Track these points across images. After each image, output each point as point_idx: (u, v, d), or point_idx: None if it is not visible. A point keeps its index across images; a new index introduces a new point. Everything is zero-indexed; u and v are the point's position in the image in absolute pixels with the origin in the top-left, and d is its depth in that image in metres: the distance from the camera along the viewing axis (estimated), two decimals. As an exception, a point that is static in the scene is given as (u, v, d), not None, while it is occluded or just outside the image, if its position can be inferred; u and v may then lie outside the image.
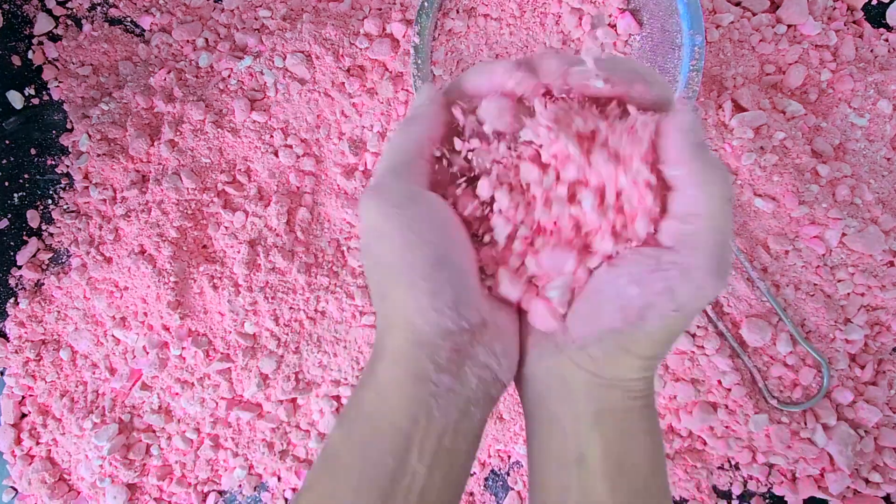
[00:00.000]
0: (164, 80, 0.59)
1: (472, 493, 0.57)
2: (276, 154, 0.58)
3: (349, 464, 0.26)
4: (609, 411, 0.27)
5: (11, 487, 0.58)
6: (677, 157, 0.27)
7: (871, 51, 0.57)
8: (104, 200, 0.59)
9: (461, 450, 0.27)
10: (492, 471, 0.57)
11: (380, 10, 0.59)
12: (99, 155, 0.58)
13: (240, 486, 0.57)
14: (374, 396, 0.27)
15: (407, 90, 0.56)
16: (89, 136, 0.59)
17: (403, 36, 0.56)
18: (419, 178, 0.28)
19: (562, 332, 0.28)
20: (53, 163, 0.60)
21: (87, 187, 0.59)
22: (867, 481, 0.53)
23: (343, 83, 0.57)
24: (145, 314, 0.57)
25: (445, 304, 0.26)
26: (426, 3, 0.52)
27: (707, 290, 0.25)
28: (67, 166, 0.60)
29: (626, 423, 0.27)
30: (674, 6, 0.51)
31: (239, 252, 0.56)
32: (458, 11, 0.55)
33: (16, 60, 0.61)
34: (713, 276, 0.24)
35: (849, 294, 0.54)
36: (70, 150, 0.60)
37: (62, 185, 0.60)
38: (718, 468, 0.55)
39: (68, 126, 0.61)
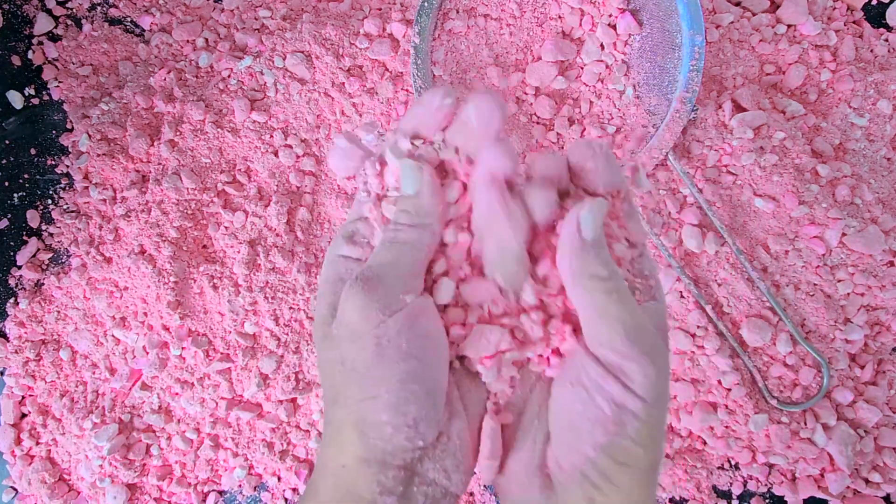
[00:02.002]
0: (164, 80, 0.59)
1: (472, 494, 0.57)
2: (276, 154, 0.58)
3: None
4: None
5: (11, 487, 0.58)
6: (559, 262, 0.27)
7: (871, 51, 0.57)
8: (104, 200, 0.59)
9: None
10: (492, 471, 0.57)
11: (380, 10, 0.59)
12: (99, 155, 0.58)
13: (240, 486, 0.57)
14: None
15: (407, 90, 0.56)
16: (89, 136, 0.59)
17: (403, 36, 0.56)
18: (414, 284, 0.27)
19: (545, 486, 0.26)
20: (53, 163, 0.60)
21: (86, 187, 0.59)
22: (867, 481, 0.53)
23: (343, 83, 0.57)
24: (145, 314, 0.57)
25: (405, 422, 0.24)
26: (426, 3, 0.52)
27: (652, 378, 0.24)
28: (67, 166, 0.60)
29: None
30: (674, 6, 0.51)
31: (239, 252, 0.56)
32: (458, 11, 0.55)
33: (16, 60, 0.61)
34: (645, 362, 0.24)
35: (849, 294, 0.54)
36: (70, 150, 0.60)
37: (62, 185, 0.60)
38: (718, 468, 0.55)
39: (68, 126, 0.61)
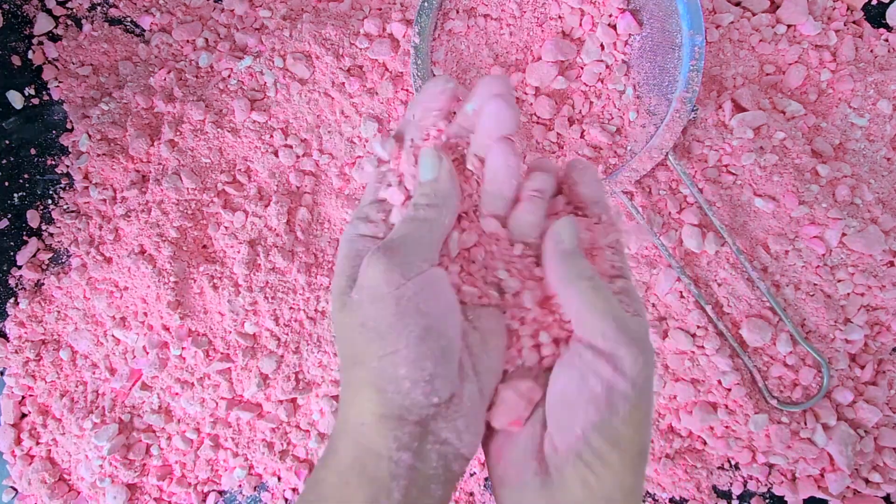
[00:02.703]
0: (164, 80, 0.59)
1: (471, 494, 0.57)
2: (276, 154, 0.58)
3: None
4: None
5: (11, 487, 0.58)
6: (547, 270, 0.30)
7: (871, 51, 0.57)
8: (104, 200, 0.59)
9: None
10: (492, 471, 0.57)
11: (380, 10, 0.59)
12: (99, 155, 0.58)
13: (240, 486, 0.57)
14: (335, 480, 0.27)
15: (407, 90, 0.56)
16: (89, 136, 0.59)
17: (403, 36, 0.56)
18: (432, 256, 0.29)
19: (541, 470, 0.27)
20: (53, 163, 0.60)
21: (86, 187, 0.59)
22: (867, 481, 0.53)
23: (343, 83, 0.57)
24: (145, 314, 0.57)
25: (422, 376, 0.26)
26: (426, 3, 0.52)
27: (640, 365, 0.26)
28: (67, 166, 0.60)
29: None
30: (674, 6, 0.51)
31: (239, 252, 0.56)
32: (458, 11, 0.55)
33: (16, 60, 0.61)
34: (635, 350, 0.26)
35: (849, 294, 0.54)
36: (70, 150, 0.60)
37: (62, 185, 0.60)
38: (718, 468, 0.55)
39: (68, 126, 0.61)
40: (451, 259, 0.30)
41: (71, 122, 0.60)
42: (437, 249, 0.29)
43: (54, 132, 0.61)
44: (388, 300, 0.26)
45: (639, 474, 0.27)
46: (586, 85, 0.55)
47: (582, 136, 0.54)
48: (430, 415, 0.27)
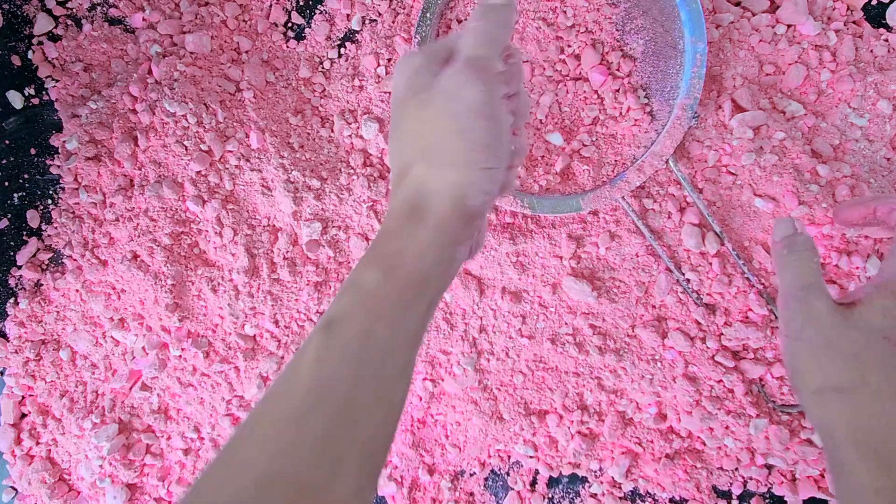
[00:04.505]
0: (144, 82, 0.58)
1: (471, 494, 0.57)
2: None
3: (388, 306, 0.30)
4: None
5: (11, 487, 0.58)
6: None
7: (871, 51, 0.57)
8: (94, 204, 0.58)
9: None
10: (492, 471, 0.57)
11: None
12: (87, 158, 0.58)
13: (240, 486, 0.57)
14: (414, 252, 0.31)
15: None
16: (78, 137, 0.58)
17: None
18: (499, 75, 0.32)
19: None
20: (52, 163, 0.60)
21: (76, 189, 0.58)
22: (867, 481, 0.53)
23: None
24: (142, 316, 0.57)
25: (494, 186, 0.32)
26: (427, 15, 0.52)
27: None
28: (58, 167, 0.60)
29: None
30: (676, 13, 0.51)
31: (237, 258, 0.56)
32: (458, 22, 0.55)
33: (16, 60, 0.61)
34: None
35: (848, 294, 0.54)
36: (59, 150, 0.60)
37: (62, 186, 0.60)
38: (718, 468, 0.55)
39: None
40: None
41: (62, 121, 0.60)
42: (503, 49, 0.33)
43: (54, 132, 0.61)
44: (485, 118, 0.31)
45: None
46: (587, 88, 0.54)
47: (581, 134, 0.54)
48: (480, 213, 0.33)
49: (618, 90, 0.54)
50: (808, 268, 0.37)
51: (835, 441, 0.31)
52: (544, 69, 0.54)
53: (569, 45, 0.54)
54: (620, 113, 0.54)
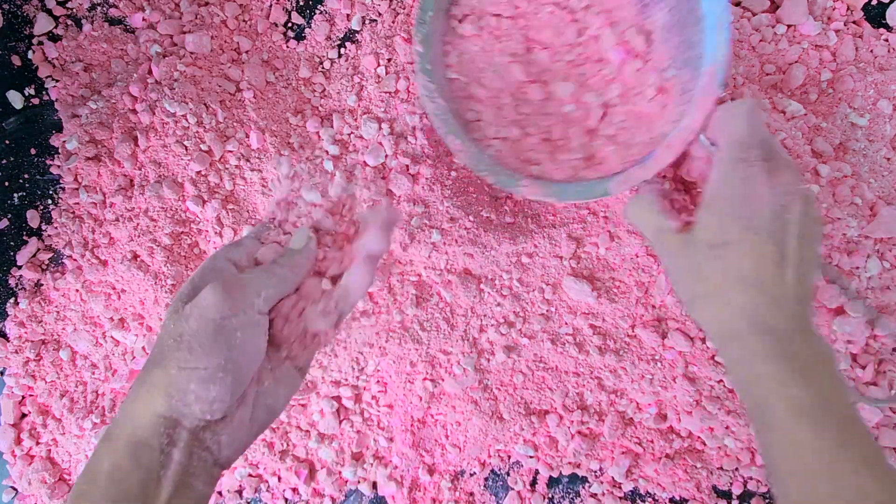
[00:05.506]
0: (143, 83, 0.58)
1: (471, 494, 0.57)
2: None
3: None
4: None
5: (11, 487, 0.58)
6: None
7: (871, 51, 0.57)
8: (94, 204, 0.58)
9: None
10: (492, 471, 0.57)
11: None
12: (87, 158, 0.58)
13: (240, 486, 0.57)
14: (108, 466, 0.31)
15: (411, 91, 0.56)
16: (78, 137, 0.58)
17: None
18: (265, 305, 0.35)
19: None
20: (52, 163, 0.60)
21: (76, 189, 0.59)
22: (867, 481, 0.53)
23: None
24: (143, 316, 0.57)
25: (207, 397, 0.32)
26: (425, 14, 0.52)
27: None
28: (58, 167, 0.60)
29: None
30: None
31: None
32: (460, 21, 0.54)
33: (16, 60, 0.61)
34: None
35: (849, 294, 0.54)
36: (59, 151, 0.60)
37: (62, 186, 0.60)
38: (718, 468, 0.55)
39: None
40: (279, 314, 0.36)
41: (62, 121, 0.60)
42: (274, 301, 0.35)
43: (54, 132, 0.61)
44: (209, 325, 0.32)
45: None
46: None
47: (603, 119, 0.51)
48: (200, 426, 0.32)
49: (640, 69, 0.51)
50: (653, 214, 0.42)
51: (710, 335, 0.39)
52: (562, 54, 0.51)
53: (586, 28, 0.51)
54: (645, 90, 0.51)
